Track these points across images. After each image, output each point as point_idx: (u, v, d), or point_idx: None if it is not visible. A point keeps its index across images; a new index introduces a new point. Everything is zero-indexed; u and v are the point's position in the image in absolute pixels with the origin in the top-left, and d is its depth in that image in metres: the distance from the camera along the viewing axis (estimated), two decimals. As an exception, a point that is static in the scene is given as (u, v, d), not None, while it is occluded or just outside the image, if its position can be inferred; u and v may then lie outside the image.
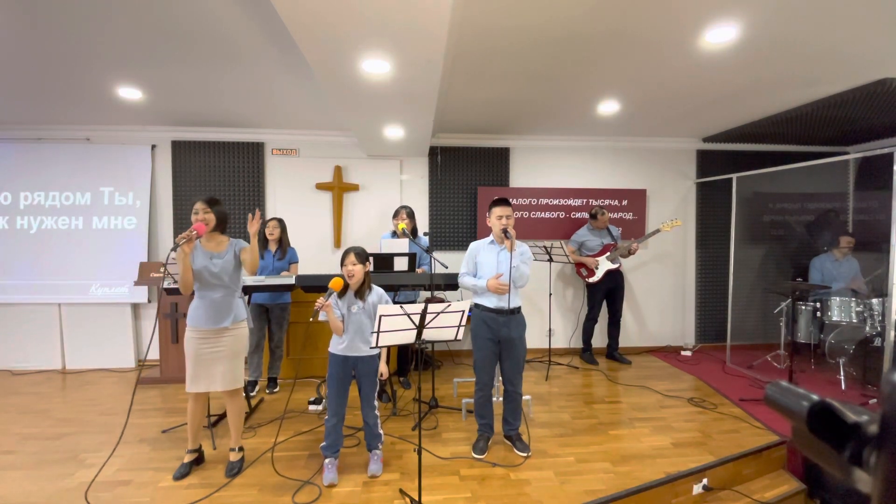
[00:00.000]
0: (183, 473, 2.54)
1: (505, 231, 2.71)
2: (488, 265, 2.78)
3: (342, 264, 2.49)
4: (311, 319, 2.38)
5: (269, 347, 3.94)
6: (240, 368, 2.58)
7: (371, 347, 2.16)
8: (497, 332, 2.75)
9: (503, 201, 2.79)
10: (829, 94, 3.61)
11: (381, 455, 2.64)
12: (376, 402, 2.64)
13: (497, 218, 2.75)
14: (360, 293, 2.53)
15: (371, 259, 2.65)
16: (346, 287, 2.51)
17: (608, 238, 4.64)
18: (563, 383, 4.13)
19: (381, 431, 2.66)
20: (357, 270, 2.47)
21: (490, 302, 2.75)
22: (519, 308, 2.81)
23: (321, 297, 2.34)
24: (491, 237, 2.84)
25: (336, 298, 2.51)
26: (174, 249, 2.30)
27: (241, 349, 2.58)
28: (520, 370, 2.83)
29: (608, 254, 4.56)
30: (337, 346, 2.54)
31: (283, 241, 3.91)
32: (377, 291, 2.61)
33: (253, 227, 2.50)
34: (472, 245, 2.89)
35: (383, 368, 2.63)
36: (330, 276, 3.57)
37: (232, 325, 2.53)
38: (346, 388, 2.57)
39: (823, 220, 5.04)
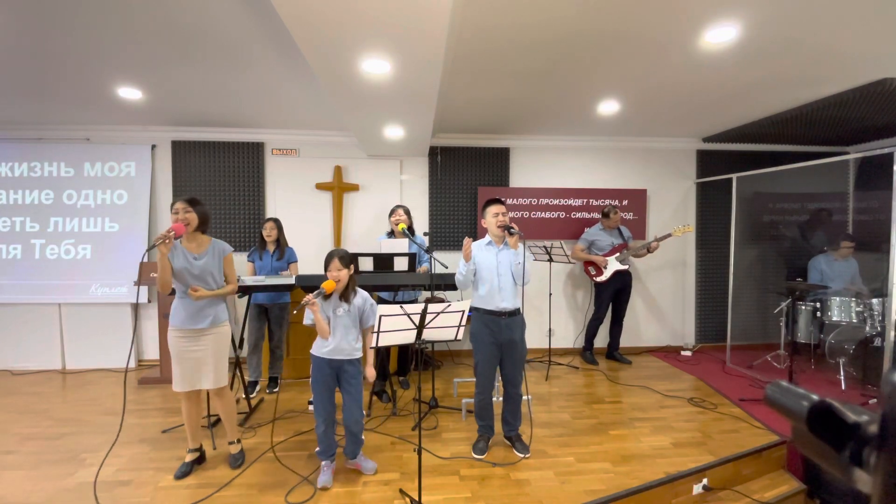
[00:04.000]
0: (184, 472, 2.54)
1: (509, 228, 2.68)
2: (488, 267, 2.75)
3: (326, 269, 2.44)
4: (294, 312, 2.38)
5: (269, 347, 3.94)
6: (223, 367, 2.57)
7: (371, 347, 2.15)
8: (499, 334, 2.73)
9: (497, 200, 2.78)
10: (829, 94, 3.61)
11: (362, 455, 2.61)
12: (364, 412, 2.56)
13: (493, 216, 2.74)
14: (345, 296, 2.48)
15: (355, 262, 2.58)
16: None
17: (619, 238, 4.63)
18: (564, 383, 4.13)
19: (363, 438, 2.61)
20: (342, 275, 2.43)
21: (490, 305, 2.73)
22: (519, 309, 2.79)
23: (309, 295, 2.30)
24: (488, 238, 2.82)
25: (321, 301, 2.46)
26: (149, 250, 2.29)
27: (223, 349, 2.56)
28: (521, 371, 2.82)
29: (618, 254, 4.55)
30: (321, 349, 2.47)
31: (280, 242, 3.91)
32: (361, 294, 2.56)
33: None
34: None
35: (370, 372, 2.54)
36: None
37: (210, 327, 2.50)
38: (333, 392, 2.51)
39: (816, 219, 5.04)
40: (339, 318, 2.47)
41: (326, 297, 2.46)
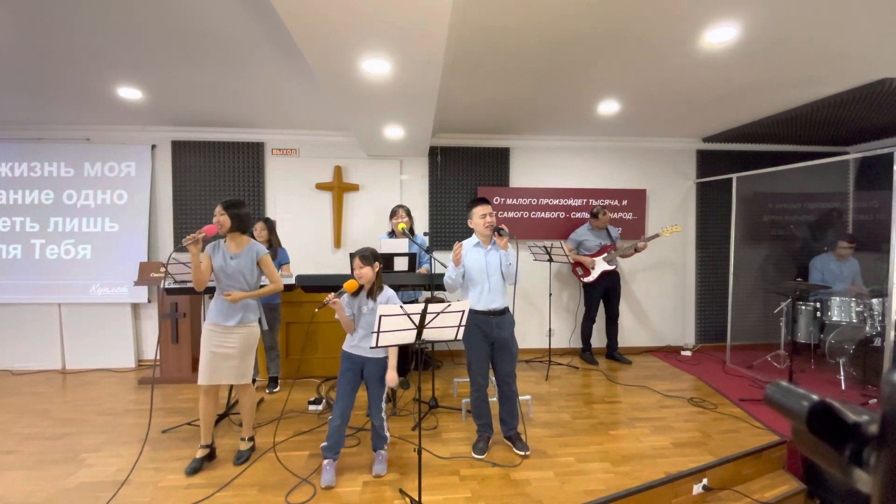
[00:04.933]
0: (194, 468, 2.57)
1: (499, 229, 2.69)
2: (477, 268, 2.76)
3: (352, 268, 2.55)
4: (315, 310, 2.45)
5: (264, 348, 3.92)
6: (248, 365, 2.66)
7: (371, 347, 2.16)
8: (489, 333, 2.75)
9: (483, 200, 2.79)
10: (829, 94, 3.61)
11: (385, 455, 2.65)
12: (384, 405, 2.64)
13: (480, 217, 2.75)
14: (372, 293, 2.57)
15: (380, 260, 2.66)
16: (359, 288, 2.54)
17: (607, 239, 4.64)
18: (563, 383, 4.13)
19: (388, 434, 2.68)
20: (365, 273, 2.50)
21: (480, 305, 2.74)
22: (508, 308, 2.81)
23: (332, 294, 2.38)
24: (475, 239, 2.82)
25: (348, 298, 2.56)
26: (179, 250, 2.40)
27: (249, 348, 2.66)
28: (513, 369, 2.83)
29: (605, 255, 4.55)
30: (349, 343, 2.59)
31: (272, 243, 3.88)
32: (387, 293, 2.63)
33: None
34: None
35: (391, 375, 2.52)
36: (330, 277, 3.60)
37: (237, 326, 2.60)
38: (356, 388, 2.58)
39: (826, 219, 5.04)
40: (364, 316, 2.54)
41: (355, 294, 2.54)
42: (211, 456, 2.68)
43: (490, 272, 2.75)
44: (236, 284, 2.62)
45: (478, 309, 2.74)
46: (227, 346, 2.58)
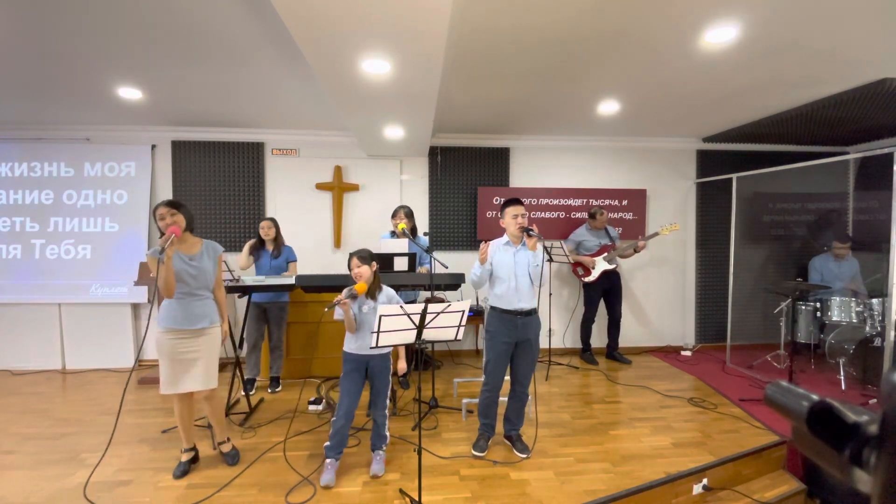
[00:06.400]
0: (183, 472, 2.55)
1: (528, 230, 2.69)
2: (505, 266, 2.74)
3: (349, 268, 2.56)
4: (325, 310, 2.41)
5: (269, 346, 3.94)
6: (215, 368, 2.58)
7: (371, 347, 2.16)
8: (514, 333, 2.73)
9: (517, 201, 2.76)
10: (829, 94, 3.61)
11: (384, 456, 2.64)
12: (388, 402, 2.66)
13: (512, 217, 2.73)
14: (371, 293, 2.56)
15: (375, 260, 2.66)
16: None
17: (606, 239, 4.65)
18: (563, 383, 4.13)
19: (388, 433, 2.67)
20: (363, 271, 2.51)
21: (507, 304, 2.72)
22: (535, 309, 2.79)
23: (341, 295, 2.37)
24: (505, 238, 2.80)
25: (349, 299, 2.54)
26: (160, 253, 2.27)
27: (216, 349, 2.59)
28: (533, 370, 2.82)
29: (605, 254, 4.56)
30: (351, 344, 2.57)
31: (278, 240, 3.91)
32: (387, 292, 2.64)
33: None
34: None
35: (402, 365, 2.68)
36: (330, 277, 3.60)
37: (209, 326, 2.55)
38: (360, 388, 2.58)
39: (825, 220, 5.04)
40: (365, 315, 2.53)
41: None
42: (195, 459, 2.67)
43: (518, 272, 2.73)
44: (203, 285, 2.53)
45: (504, 308, 2.73)
46: (193, 349, 2.47)
